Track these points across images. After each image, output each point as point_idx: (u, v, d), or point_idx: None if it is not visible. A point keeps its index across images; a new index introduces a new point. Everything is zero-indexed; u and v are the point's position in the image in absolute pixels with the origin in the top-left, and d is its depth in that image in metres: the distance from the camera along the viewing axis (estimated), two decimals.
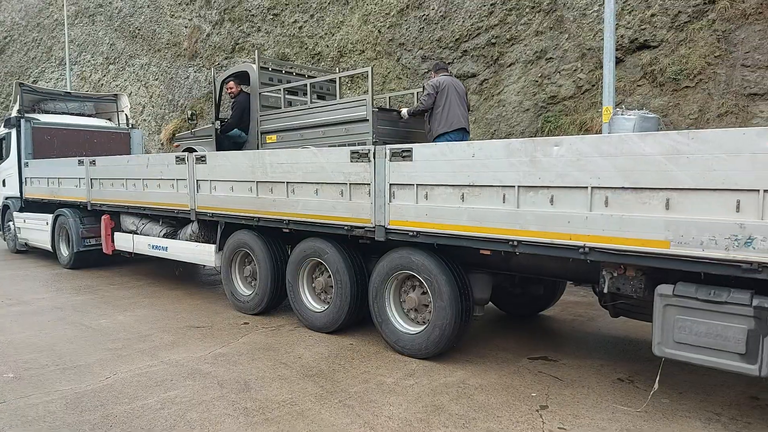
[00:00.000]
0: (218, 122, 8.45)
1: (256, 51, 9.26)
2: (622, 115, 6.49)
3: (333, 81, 8.38)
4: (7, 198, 12.04)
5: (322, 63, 14.25)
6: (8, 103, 25.08)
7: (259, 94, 8.02)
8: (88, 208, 9.43)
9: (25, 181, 11.22)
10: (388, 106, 8.20)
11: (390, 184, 4.99)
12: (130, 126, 12.97)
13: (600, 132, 8.35)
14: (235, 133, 8.48)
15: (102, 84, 22.19)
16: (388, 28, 12.92)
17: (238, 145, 8.46)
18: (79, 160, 9.47)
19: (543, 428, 3.72)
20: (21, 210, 11.50)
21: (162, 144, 18.49)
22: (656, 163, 3.53)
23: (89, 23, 23.08)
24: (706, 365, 3.55)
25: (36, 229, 10.93)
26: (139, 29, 20.55)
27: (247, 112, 8.23)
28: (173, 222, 8.17)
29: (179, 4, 18.86)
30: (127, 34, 21.17)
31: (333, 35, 14.27)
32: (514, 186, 4.19)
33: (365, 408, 4.04)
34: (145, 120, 19.93)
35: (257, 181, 6.25)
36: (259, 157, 6.32)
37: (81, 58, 23.28)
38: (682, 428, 3.72)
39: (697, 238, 3.42)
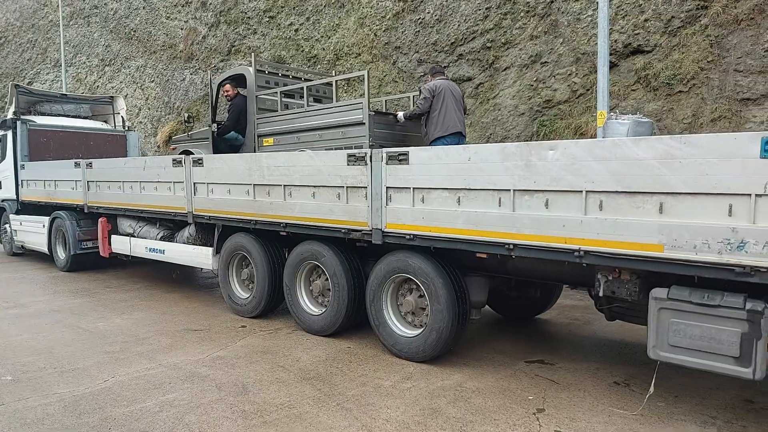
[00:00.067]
0: (215, 125, 8.47)
1: (253, 54, 9.29)
2: (616, 119, 6.54)
3: (329, 84, 8.42)
4: (3, 200, 12.01)
5: (318, 66, 14.28)
6: (3, 104, 24.99)
7: (256, 97, 8.04)
8: (85, 211, 9.43)
9: (22, 183, 11.21)
10: (384, 110, 8.24)
11: (387, 188, 5.03)
12: (127, 128, 12.98)
13: (595, 136, 8.40)
14: (231, 135, 8.51)
15: (97, 86, 22.15)
16: (384, 31, 12.97)
17: (234, 148, 8.49)
18: (75, 163, 9.47)
19: (540, 431, 3.75)
20: (17, 212, 11.48)
21: (158, 146, 18.47)
22: (650, 168, 3.58)
23: (84, 24, 23.04)
24: (701, 368, 3.58)
25: (32, 231, 10.91)
26: (134, 31, 20.54)
27: (243, 114, 8.25)
28: (170, 225, 8.18)
29: (175, 6, 18.86)
30: (122, 36, 21.15)
31: (329, 38, 14.31)
32: (509, 190, 4.23)
33: (363, 411, 4.07)
34: (141, 122, 19.91)
35: (254, 184, 6.27)
36: (256, 159, 6.34)
37: (76, 60, 23.23)
38: (678, 431, 3.76)
39: (691, 242, 3.46)
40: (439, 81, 7.09)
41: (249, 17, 16.37)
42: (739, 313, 3.38)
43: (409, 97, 8.63)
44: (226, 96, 8.51)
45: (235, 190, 6.54)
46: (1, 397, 4.38)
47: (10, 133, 11.25)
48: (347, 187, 5.34)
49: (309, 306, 6.07)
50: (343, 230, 5.44)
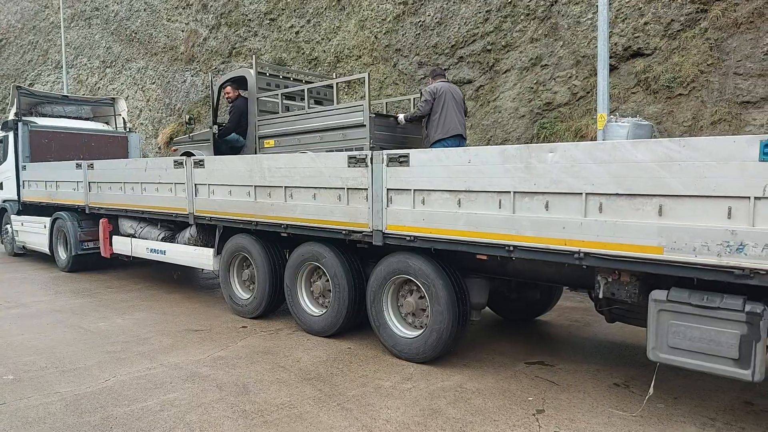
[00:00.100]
0: (216, 126, 8.49)
1: (254, 56, 9.32)
2: (616, 122, 6.57)
3: (330, 86, 8.43)
4: (4, 201, 12.05)
5: (319, 68, 14.31)
6: (5, 106, 25.04)
7: (257, 98, 8.07)
8: (86, 212, 9.46)
9: (23, 184, 11.24)
10: (385, 112, 8.27)
11: (387, 189, 5.05)
12: (128, 129, 13.01)
13: (595, 139, 8.43)
14: (233, 137, 8.53)
15: (99, 87, 22.20)
16: (385, 33, 13.01)
17: (235, 150, 8.52)
18: (77, 164, 9.50)
19: None
20: (18, 213, 11.51)
21: (159, 148, 18.50)
22: (649, 170, 3.60)
23: (85, 26, 23.10)
24: (700, 370, 3.60)
25: (34, 232, 10.94)
26: (135, 33, 20.59)
27: (244, 116, 8.28)
28: (171, 226, 8.21)
29: (176, 8, 18.92)
30: (123, 38, 21.20)
31: (330, 40, 14.35)
32: (509, 192, 4.25)
33: (363, 411, 4.09)
34: (142, 123, 19.95)
35: (255, 186, 6.30)
36: (257, 161, 6.37)
37: (77, 62, 23.29)
38: None
39: (690, 244, 3.48)
40: (440, 83, 7.12)
41: (250, 19, 16.42)
42: (739, 315, 3.40)
43: (409, 99, 8.66)
44: (227, 98, 8.54)
45: (236, 192, 6.57)
46: (3, 396, 4.40)
47: (11, 134, 11.30)
48: (348, 188, 5.36)
49: (310, 307, 6.08)
50: (343, 231, 5.46)
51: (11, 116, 11.53)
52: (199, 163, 7.04)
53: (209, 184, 6.92)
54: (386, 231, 5.10)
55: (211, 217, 6.98)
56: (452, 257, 4.98)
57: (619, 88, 9.58)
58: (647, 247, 3.65)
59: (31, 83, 24.65)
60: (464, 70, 11.63)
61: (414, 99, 8.36)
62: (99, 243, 9.36)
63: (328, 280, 5.82)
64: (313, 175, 5.68)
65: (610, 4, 8.45)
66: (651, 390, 4.00)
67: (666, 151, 3.55)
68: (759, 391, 4.42)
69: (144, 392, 4.45)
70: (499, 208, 4.33)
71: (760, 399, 4.31)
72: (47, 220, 10.41)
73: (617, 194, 3.76)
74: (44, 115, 12.23)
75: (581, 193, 3.90)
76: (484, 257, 4.68)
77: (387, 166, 5.01)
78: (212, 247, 7.21)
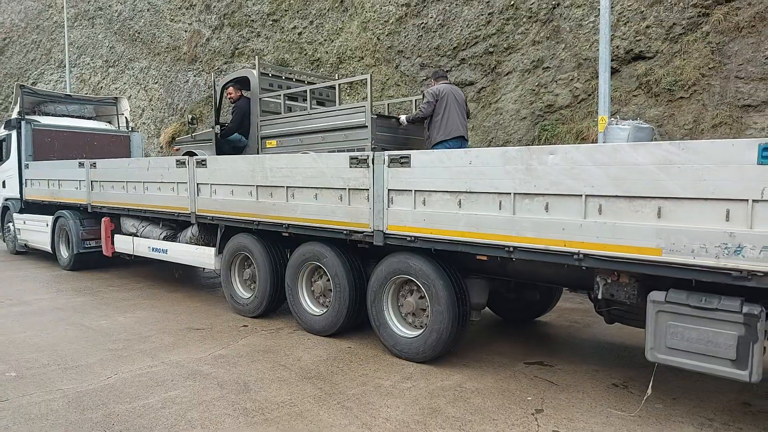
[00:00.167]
0: (218, 126, 8.53)
1: (257, 57, 9.35)
2: (616, 124, 6.59)
3: (332, 87, 8.48)
4: (6, 199, 12.10)
5: (321, 69, 14.35)
6: (7, 104, 25.11)
7: (260, 99, 8.11)
8: (89, 210, 9.50)
9: (26, 182, 11.29)
10: (386, 113, 8.30)
11: (388, 190, 5.08)
12: (130, 129, 13.05)
13: (596, 141, 8.46)
14: (235, 137, 8.57)
15: (101, 87, 22.26)
16: (387, 35, 13.04)
17: (238, 150, 8.56)
18: (79, 162, 9.55)
19: (538, 431, 3.80)
20: (21, 211, 11.56)
21: (161, 147, 18.55)
22: (648, 173, 3.63)
23: (89, 26, 23.17)
24: (698, 371, 3.63)
25: (36, 230, 10.99)
26: (138, 33, 20.65)
27: (247, 116, 8.32)
28: (173, 225, 8.24)
29: (179, 8, 18.97)
30: (126, 38, 21.26)
31: (332, 42, 14.39)
32: (510, 193, 4.28)
33: (363, 410, 4.12)
34: (144, 123, 20.00)
35: (257, 185, 6.33)
36: (260, 161, 6.40)
37: (80, 61, 23.35)
38: None
39: (688, 246, 3.51)
40: (442, 85, 7.15)
41: (253, 20, 16.47)
42: (736, 317, 3.42)
43: (411, 100, 8.70)
44: (229, 98, 8.58)
45: (238, 191, 6.60)
46: (6, 392, 4.43)
47: (14, 133, 11.35)
48: (349, 189, 5.39)
49: (310, 306, 6.11)
50: (344, 232, 5.49)
51: (14, 115, 11.58)
52: (202, 163, 7.08)
53: (211, 184, 6.96)
54: (387, 231, 5.13)
55: (212, 217, 7.01)
56: (452, 258, 5.01)
57: (620, 91, 9.61)
58: (646, 249, 3.68)
59: (34, 82, 24.72)
60: (466, 72, 11.66)
61: (416, 100, 8.39)
62: (101, 241, 9.40)
63: (329, 280, 5.85)
64: (314, 175, 5.72)
65: (612, 7, 8.48)
66: (649, 390, 4.03)
67: (665, 154, 3.58)
68: (757, 392, 4.45)
69: (146, 390, 4.48)
70: (500, 209, 4.36)
71: (757, 400, 4.34)
72: (49, 218, 10.45)
73: (617, 196, 3.79)
74: (47, 114, 12.28)
75: (581, 195, 3.93)
76: (484, 258, 4.71)
77: (388, 166, 5.05)
78: (214, 246, 7.25)
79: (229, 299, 7.02)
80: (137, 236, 8.68)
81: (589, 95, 9.91)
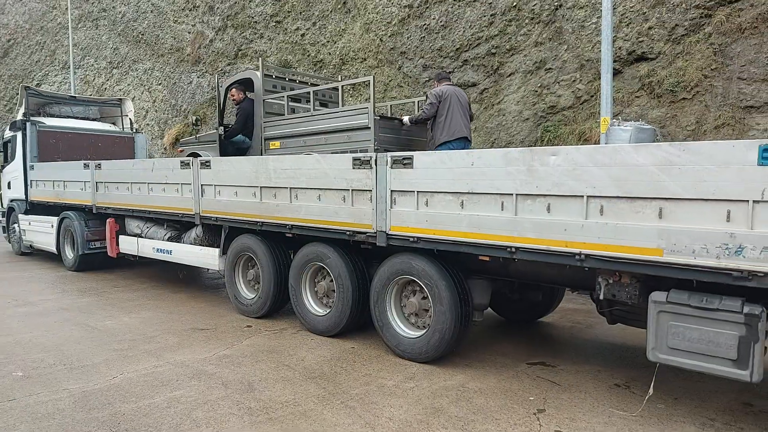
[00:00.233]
0: (222, 128, 8.58)
1: (260, 59, 9.41)
2: (618, 126, 6.62)
3: (335, 89, 8.52)
4: (12, 200, 12.17)
5: (324, 70, 14.40)
6: (12, 105, 25.23)
7: (263, 100, 8.15)
8: (93, 212, 9.56)
9: (31, 183, 11.34)
10: (389, 114, 8.34)
11: (391, 191, 5.12)
12: (135, 130, 13.12)
13: (598, 142, 8.47)
14: (239, 138, 8.62)
15: (105, 88, 22.35)
16: (390, 36, 13.08)
17: (241, 151, 8.60)
18: (84, 164, 9.60)
19: (540, 431, 3.82)
20: (26, 212, 11.62)
21: (165, 148, 18.62)
22: (649, 174, 3.66)
23: (93, 27, 23.26)
24: (699, 371, 3.65)
25: (41, 231, 11.05)
26: (142, 34, 20.73)
27: (251, 118, 8.36)
28: (177, 226, 8.29)
29: (183, 9, 19.04)
30: (130, 39, 21.34)
31: (335, 43, 14.43)
32: (512, 194, 4.31)
33: (366, 409, 4.15)
34: (148, 124, 20.07)
35: (261, 187, 6.37)
36: (263, 162, 6.44)
37: (84, 62, 23.45)
38: None
39: (689, 247, 3.53)
40: (445, 87, 7.18)
41: (256, 22, 16.52)
42: (737, 317, 3.45)
43: (414, 102, 8.73)
44: (233, 100, 8.62)
45: (242, 192, 6.64)
46: (13, 392, 4.47)
47: (19, 134, 11.40)
48: (352, 190, 5.43)
49: (314, 307, 6.15)
50: (348, 232, 5.52)
51: (19, 116, 11.65)
52: (206, 164, 7.12)
53: (215, 185, 7.00)
54: (390, 232, 5.16)
55: (217, 218, 7.06)
56: (455, 258, 5.04)
57: (623, 92, 9.62)
58: (647, 249, 3.70)
59: (38, 83, 24.83)
60: (469, 73, 11.69)
61: (419, 102, 8.42)
62: (106, 242, 9.45)
63: (332, 281, 5.89)
64: (318, 176, 5.75)
65: (614, 8, 8.50)
66: (651, 390, 4.05)
67: (666, 155, 3.61)
68: (758, 392, 4.47)
69: (151, 389, 4.52)
70: (502, 210, 4.39)
71: (759, 400, 4.36)
72: (54, 219, 10.51)
73: (618, 197, 3.82)
74: (52, 116, 12.34)
75: (583, 196, 3.96)
76: (487, 258, 4.74)
77: (391, 167, 5.08)
78: (218, 247, 7.29)
79: (233, 300, 7.06)
80: (142, 237, 8.73)
81: (592, 96, 9.93)
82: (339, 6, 14.41)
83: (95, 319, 6.73)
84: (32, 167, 11.24)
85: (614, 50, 8.73)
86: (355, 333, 5.99)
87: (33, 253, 12.05)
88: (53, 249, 10.63)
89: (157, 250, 8.32)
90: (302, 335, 6.06)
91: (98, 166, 9.28)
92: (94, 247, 9.81)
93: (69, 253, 10.31)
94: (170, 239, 8.23)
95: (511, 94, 11.04)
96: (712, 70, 8.84)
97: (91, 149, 11.76)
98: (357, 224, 5.43)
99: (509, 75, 11.16)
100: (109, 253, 9.40)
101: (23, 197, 11.60)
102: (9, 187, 12.20)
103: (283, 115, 8.01)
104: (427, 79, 12.04)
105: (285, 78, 8.82)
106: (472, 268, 5.14)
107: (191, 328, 6.35)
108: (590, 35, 10.09)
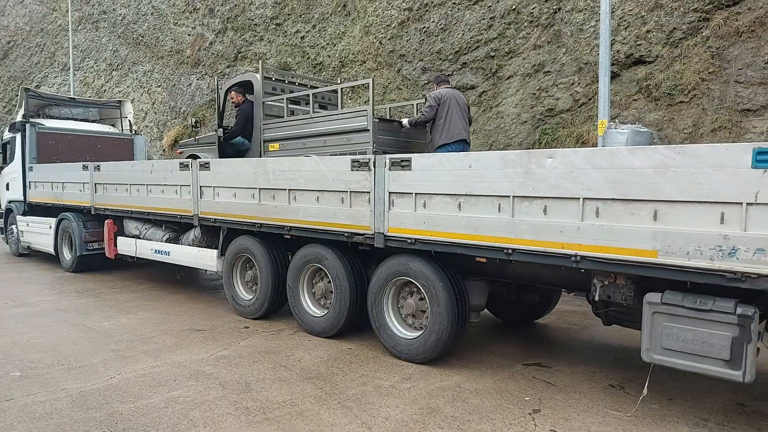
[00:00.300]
0: (221, 130, 8.60)
1: (260, 61, 9.44)
2: (615, 128, 6.65)
3: (335, 91, 8.55)
4: (10, 201, 12.18)
5: (324, 73, 14.44)
6: (11, 107, 25.24)
7: (263, 103, 8.18)
8: (92, 213, 9.57)
9: (29, 185, 11.36)
10: (388, 117, 8.38)
11: (389, 193, 5.14)
12: (134, 132, 13.14)
13: (596, 145, 8.51)
14: (238, 140, 8.65)
15: (105, 90, 22.38)
16: (389, 39, 13.12)
17: (240, 153, 8.63)
18: (83, 165, 9.62)
19: (535, 431, 3.84)
20: (24, 213, 11.63)
21: (164, 150, 18.64)
22: (645, 176, 3.69)
23: (93, 29, 23.30)
24: (692, 371, 3.67)
25: (39, 232, 11.06)
26: (142, 36, 20.77)
27: (250, 120, 8.39)
28: (176, 227, 8.31)
29: (182, 12, 19.09)
30: (130, 41, 21.38)
31: (335, 46, 14.48)
32: (509, 196, 4.34)
33: (363, 409, 4.17)
34: (147, 126, 20.10)
35: (260, 188, 6.40)
36: (262, 164, 6.47)
37: (84, 64, 23.48)
38: None
39: (684, 249, 3.56)
40: (444, 89, 7.22)
41: (256, 24, 16.56)
42: (730, 318, 3.47)
43: (412, 104, 8.76)
44: (232, 102, 8.65)
45: (241, 194, 6.66)
46: (11, 392, 4.49)
47: (19, 136, 11.42)
48: (351, 191, 5.45)
49: (311, 308, 6.17)
50: (346, 234, 5.55)
51: (19, 118, 11.67)
52: (205, 166, 7.15)
53: (214, 187, 7.03)
54: (388, 233, 5.19)
55: (215, 219, 7.08)
56: (452, 260, 5.07)
57: (620, 95, 9.66)
58: (642, 251, 3.73)
59: (38, 85, 24.84)
60: (467, 76, 11.73)
61: (417, 104, 8.46)
62: (104, 244, 9.47)
63: (329, 282, 5.91)
64: (316, 178, 5.78)
65: (612, 12, 8.54)
66: (645, 391, 4.07)
67: (661, 157, 3.64)
68: (751, 393, 4.50)
69: (148, 389, 4.53)
70: (499, 211, 4.42)
71: (752, 400, 4.39)
72: (53, 220, 10.52)
73: (614, 199, 3.85)
74: (51, 117, 12.36)
75: (579, 198, 3.99)
76: (484, 260, 4.77)
77: (389, 170, 5.11)
78: (216, 248, 7.31)
79: (231, 301, 7.07)
80: (140, 238, 8.74)
81: (590, 99, 9.97)
82: (339, 9, 14.46)
83: (93, 320, 6.74)
84: (31, 168, 11.26)
85: (612, 53, 8.77)
86: (353, 334, 6.01)
87: (31, 254, 12.06)
88: (51, 250, 10.63)
89: (155, 251, 8.34)
90: (300, 336, 6.08)
91: (97, 168, 9.30)
92: (92, 249, 9.82)
93: (67, 255, 10.32)
94: (168, 240, 8.25)
95: (510, 97, 11.08)
96: (709, 73, 8.88)
97: (91, 151, 11.78)
98: (355, 226, 5.45)
99: (508, 78, 11.20)
100: (107, 254, 9.41)
101: (22, 198, 11.61)
102: (7, 189, 12.22)
103: (283, 117, 8.05)
104: (426, 81, 12.08)
105: (284, 80, 8.86)
106: (470, 269, 5.17)
107: (189, 329, 6.37)
108: (588, 38, 10.14)
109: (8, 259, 12.02)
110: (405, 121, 7.37)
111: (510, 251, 4.38)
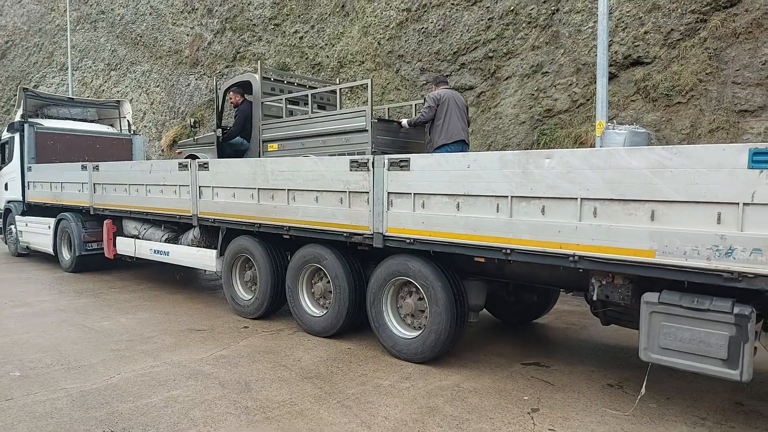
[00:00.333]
0: (220, 130, 8.62)
1: (259, 62, 9.45)
2: (613, 129, 6.68)
3: (333, 92, 8.57)
4: (9, 201, 12.17)
5: (322, 73, 14.46)
6: (9, 107, 25.22)
7: (261, 103, 8.20)
8: (91, 213, 9.57)
9: (28, 185, 11.35)
10: (387, 117, 8.40)
11: (388, 193, 5.16)
12: (132, 132, 13.14)
13: (594, 145, 8.55)
14: (237, 140, 8.66)
15: (103, 90, 22.37)
16: (388, 40, 13.15)
17: (239, 153, 8.64)
18: (82, 165, 9.63)
19: (534, 430, 3.86)
20: (23, 214, 11.63)
21: (162, 150, 18.64)
22: (642, 177, 3.71)
23: (91, 29, 23.29)
24: (690, 370, 3.69)
25: (38, 232, 11.05)
26: (140, 36, 20.77)
27: (249, 120, 8.40)
28: (175, 227, 8.32)
29: (181, 12, 19.09)
30: (128, 41, 21.38)
31: (333, 46, 14.49)
32: (507, 196, 4.36)
33: (362, 408, 4.19)
34: (145, 126, 20.10)
35: (259, 188, 6.41)
36: (261, 164, 6.48)
37: (82, 64, 23.47)
38: (668, 431, 3.88)
39: (681, 248, 3.59)
40: (443, 90, 7.24)
41: (254, 24, 16.58)
42: (727, 317, 3.50)
43: (411, 105, 8.79)
44: (231, 102, 8.67)
45: (240, 194, 6.68)
46: (11, 392, 4.50)
47: (17, 136, 11.42)
48: (350, 192, 5.47)
49: (311, 308, 6.18)
50: (345, 234, 5.56)
51: (17, 118, 11.66)
52: (204, 166, 7.16)
53: (213, 187, 7.04)
54: (386, 234, 5.20)
55: (214, 219, 7.09)
56: (451, 260, 5.09)
57: (618, 96, 9.70)
58: (640, 251, 3.76)
59: (36, 85, 24.83)
60: (466, 76, 11.76)
61: (416, 105, 8.48)
62: (103, 244, 9.47)
63: (329, 282, 5.92)
64: (315, 178, 5.80)
65: (610, 13, 8.58)
66: (643, 390, 4.10)
67: (659, 158, 3.66)
68: (749, 392, 4.52)
69: (148, 389, 4.55)
70: (497, 212, 4.44)
71: (750, 400, 4.41)
72: (51, 220, 10.52)
73: (611, 199, 3.87)
74: (50, 117, 12.35)
75: (577, 198, 4.01)
76: (482, 260, 4.78)
77: (388, 170, 5.12)
78: (215, 248, 7.32)
79: (230, 301, 7.09)
80: (139, 238, 8.75)
81: (588, 100, 10.01)
82: (337, 9, 14.48)
83: (92, 320, 6.75)
84: (30, 169, 11.25)
85: (610, 54, 8.81)
86: (352, 334, 6.03)
87: (30, 254, 12.05)
88: (50, 250, 10.63)
89: (155, 251, 8.34)
90: (299, 336, 6.10)
91: (96, 168, 9.31)
92: (91, 249, 9.82)
93: (66, 255, 10.32)
94: (167, 241, 8.25)
95: (508, 98, 11.11)
96: (707, 74, 8.92)
97: (89, 151, 11.78)
98: (354, 226, 5.47)
99: (506, 78, 11.23)
100: (106, 255, 9.41)
101: (20, 198, 11.60)
102: (6, 189, 12.21)
103: (281, 117, 8.06)
104: (425, 82, 12.11)
105: (283, 81, 8.87)
106: (468, 269, 5.19)
107: (188, 329, 6.38)
108: (586, 39, 10.17)
109: (7, 259, 12.02)
110: (404, 121, 7.39)
111: (508, 251, 4.40)
